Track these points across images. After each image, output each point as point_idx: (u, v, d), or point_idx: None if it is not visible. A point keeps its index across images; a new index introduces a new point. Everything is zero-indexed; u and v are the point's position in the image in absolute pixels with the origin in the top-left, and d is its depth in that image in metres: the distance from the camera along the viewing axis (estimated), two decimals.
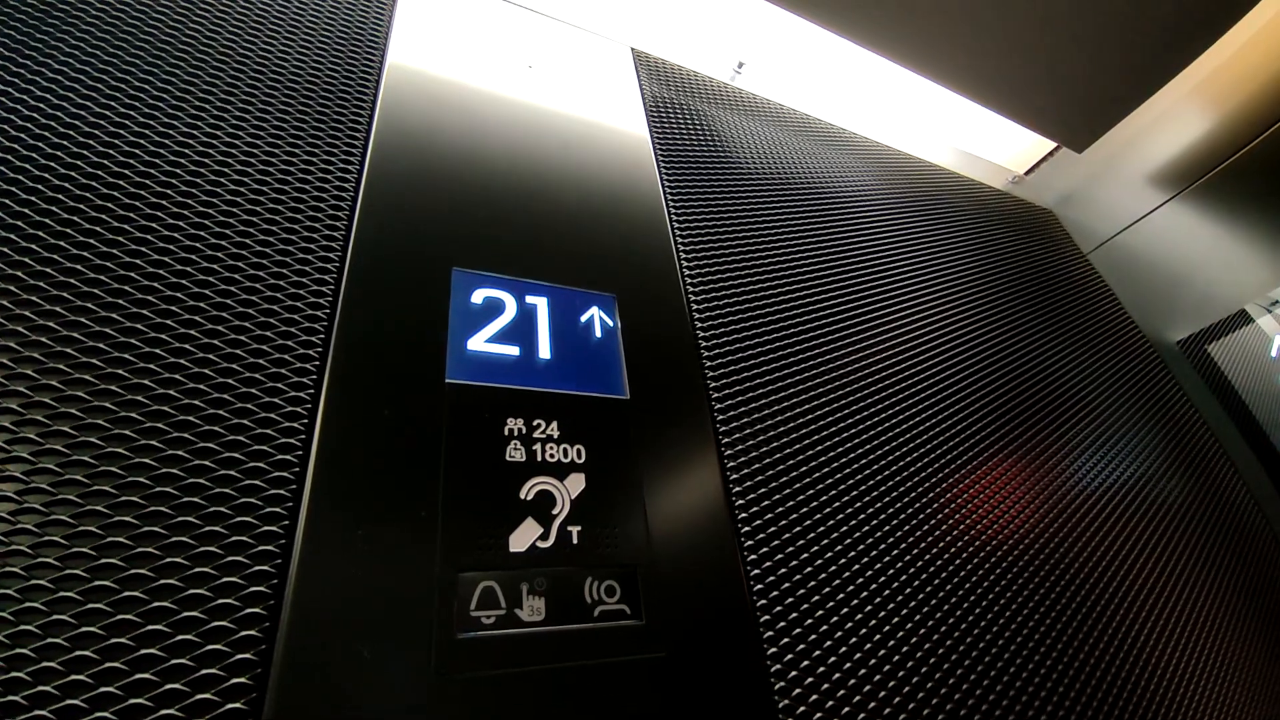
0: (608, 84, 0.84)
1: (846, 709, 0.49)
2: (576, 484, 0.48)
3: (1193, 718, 0.69)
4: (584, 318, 0.58)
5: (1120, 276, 1.29)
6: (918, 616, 0.57)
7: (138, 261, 0.44)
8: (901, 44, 0.94)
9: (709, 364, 0.62)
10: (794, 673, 0.48)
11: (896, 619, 0.56)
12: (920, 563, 0.61)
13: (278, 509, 0.39)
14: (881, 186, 1.06)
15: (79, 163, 0.47)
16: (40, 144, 0.46)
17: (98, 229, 0.45)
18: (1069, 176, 1.37)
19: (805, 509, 0.58)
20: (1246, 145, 1.12)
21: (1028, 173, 1.39)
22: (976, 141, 1.32)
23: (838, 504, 0.61)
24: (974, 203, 1.22)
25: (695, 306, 0.66)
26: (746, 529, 0.54)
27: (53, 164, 0.46)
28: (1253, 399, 1.07)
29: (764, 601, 0.50)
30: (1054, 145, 1.31)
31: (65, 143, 0.47)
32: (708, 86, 0.96)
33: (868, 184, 1.04)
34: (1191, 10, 0.95)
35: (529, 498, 0.46)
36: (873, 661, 0.52)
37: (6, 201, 0.43)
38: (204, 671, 0.34)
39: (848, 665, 0.51)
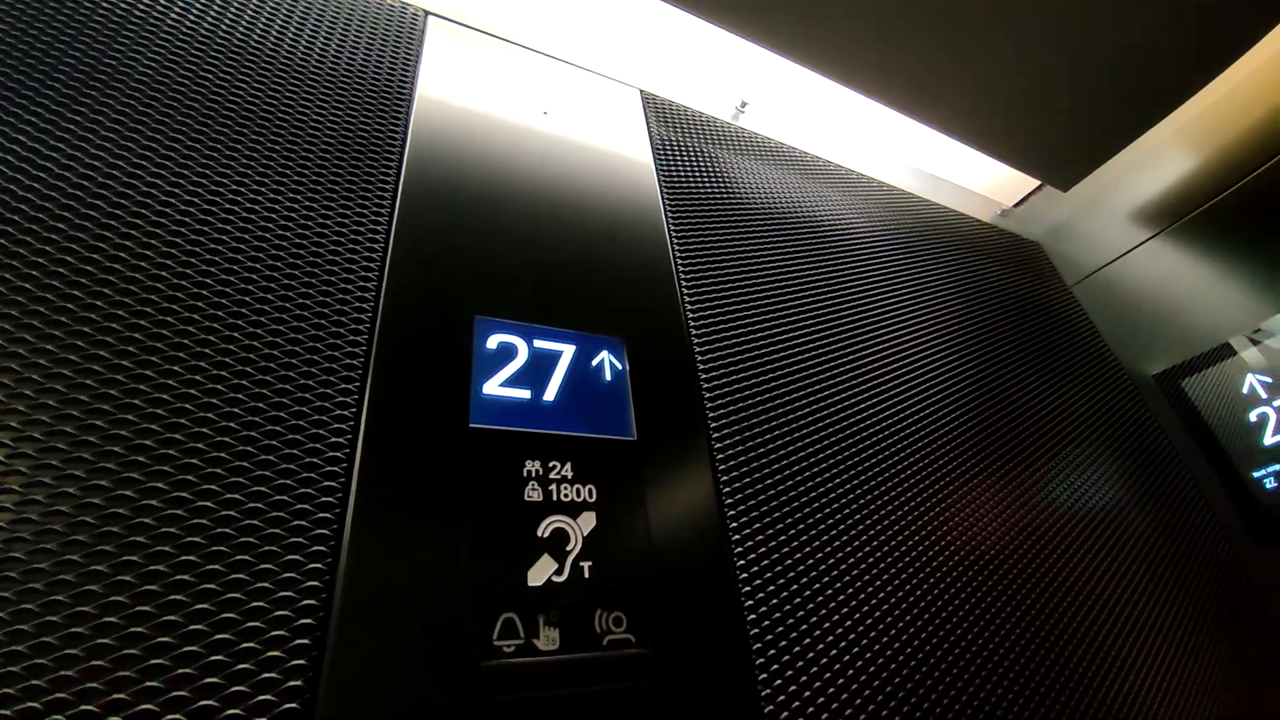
0: (618, 128, 0.88)
1: None
2: (588, 522, 0.53)
3: None
4: (595, 361, 0.63)
5: (1102, 310, 1.34)
6: (905, 650, 0.62)
7: (194, 316, 0.49)
8: (892, 89, 0.99)
9: (710, 405, 0.67)
10: (782, 697, 0.53)
11: (883, 650, 0.61)
12: (911, 597, 0.66)
13: (322, 548, 0.44)
14: (876, 223, 1.11)
15: (138, 222, 0.51)
16: (94, 212, 0.51)
17: (159, 284, 0.49)
18: (1056, 210, 1.42)
19: (797, 543, 0.63)
20: (1230, 187, 1.17)
21: (1017, 205, 1.44)
22: (967, 174, 1.37)
23: (828, 537, 0.65)
24: (964, 236, 1.28)
25: (698, 347, 0.71)
26: (742, 563, 0.58)
27: (108, 233, 0.50)
28: (1221, 432, 1.13)
29: (757, 631, 0.55)
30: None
31: (119, 211, 0.51)
32: (712, 127, 1.01)
33: (863, 220, 1.09)
34: (1175, 60, 1.00)
35: (545, 535, 0.51)
36: (854, 686, 0.57)
37: (74, 259, 0.47)
38: (259, 698, 0.38)
39: (832, 690, 0.56)
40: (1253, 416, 1.08)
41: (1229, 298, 1.18)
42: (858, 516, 0.69)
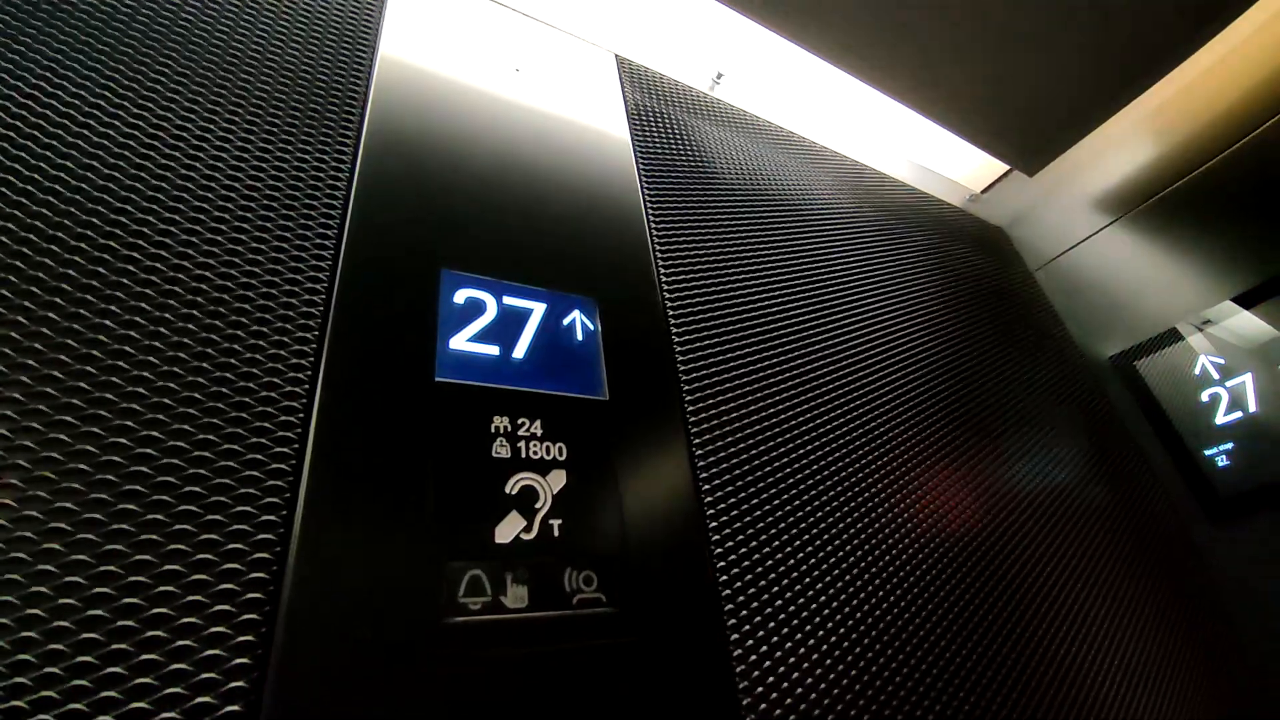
0: (592, 90, 0.86)
1: (800, 689, 0.53)
2: (558, 480, 0.51)
3: (1100, 697, 0.77)
4: (566, 321, 0.61)
5: (1061, 294, 1.38)
6: (875, 612, 0.62)
7: (129, 268, 0.45)
8: (865, 64, 0.99)
9: (683, 367, 0.66)
10: (754, 656, 0.52)
11: (847, 610, 0.61)
12: (870, 555, 0.66)
13: (276, 499, 0.41)
14: (849, 200, 1.11)
15: (69, 162, 0.47)
16: (37, 133, 0.47)
17: (93, 219, 0.45)
18: (1020, 197, 1.45)
19: (768, 505, 0.62)
20: (1184, 177, 1.21)
21: (984, 191, 1.46)
22: (939, 160, 1.38)
23: (798, 500, 0.65)
24: (933, 218, 1.29)
25: (671, 311, 0.70)
26: (714, 524, 0.57)
27: (43, 162, 0.46)
28: (1174, 412, 1.16)
29: (728, 591, 0.54)
30: (1008, 167, 1.38)
31: (55, 142, 0.48)
32: (688, 96, 1.00)
33: (836, 197, 1.09)
34: (1139, 49, 1.02)
35: (513, 492, 0.49)
36: (825, 647, 0.57)
37: (5, 191, 0.44)
38: (208, 652, 0.36)
39: (803, 651, 0.55)
40: (1204, 396, 1.12)
41: (1178, 284, 1.21)
42: (828, 482, 0.69)
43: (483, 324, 0.56)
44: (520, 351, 0.56)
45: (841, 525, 0.67)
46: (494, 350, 0.55)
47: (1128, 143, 1.30)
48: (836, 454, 0.72)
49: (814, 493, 0.67)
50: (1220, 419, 1.09)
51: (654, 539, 0.53)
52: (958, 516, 0.79)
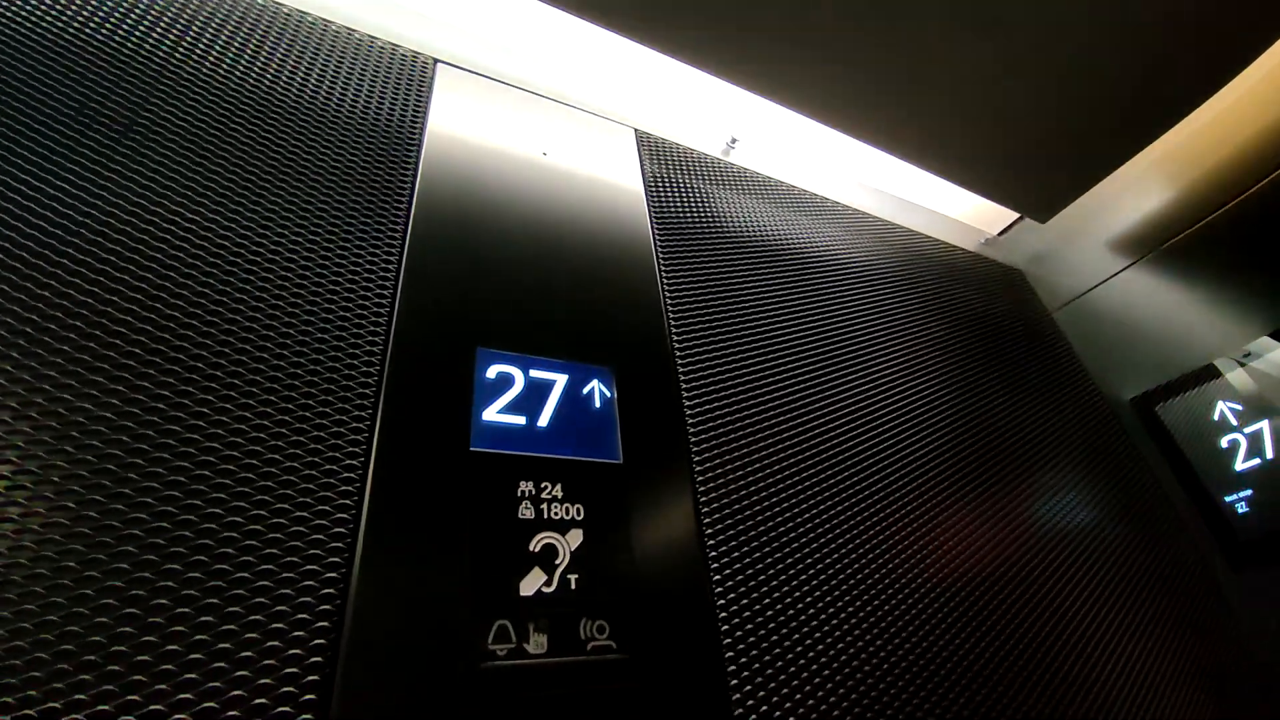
0: (613, 166, 0.95)
1: None
2: (576, 538, 0.58)
3: None
4: (585, 389, 0.68)
5: (1082, 335, 1.39)
6: (874, 664, 0.67)
7: (225, 351, 0.55)
8: (873, 130, 1.04)
9: (692, 429, 0.72)
10: (751, 701, 0.58)
11: (845, 658, 0.66)
12: (882, 610, 0.71)
13: (337, 559, 0.49)
14: (862, 253, 1.16)
15: (149, 272, 0.57)
16: (97, 246, 0.57)
17: (193, 322, 0.55)
18: (1038, 239, 1.47)
19: (771, 559, 0.68)
20: (1211, 214, 1.21)
21: (1000, 234, 1.49)
22: (953, 204, 1.42)
23: (803, 553, 0.70)
24: (948, 264, 1.33)
25: (683, 374, 0.76)
26: (718, 577, 0.63)
27: (108, 268, 0.56)
28: (1196, 456, 1.17)
29: (730, 640, 0.60)
30: None
31: (138, 254, 0.58)
32: (702, 163, 1.07)
33: (849, 251, 1.14)
34: (1151, 97, 1.05)
35: (536, 550, 0.56)
36: (820, 694, 0.62)
37: (74, 297, 0.53)
38: (280, 689, 0.43)
39: (799, 696, 0.60)
40: (1224, 442, 1.13)
41: (1211, 321, 1.22)
42: (832, 535, 0.74)
43: (511, 396, 0.64)
44: (544, 420, 0.64)
45: (846, 577, 0.72)
46: (521, 420, 0.63)
47: (1146, 184, 1.31)
48: (843, 508, 0.77)
49: (818, 548, 0.72)
50: (1240, 465, 1.10)
51: (662, 591, 0.59)
52: (974, 566, 0.83)
